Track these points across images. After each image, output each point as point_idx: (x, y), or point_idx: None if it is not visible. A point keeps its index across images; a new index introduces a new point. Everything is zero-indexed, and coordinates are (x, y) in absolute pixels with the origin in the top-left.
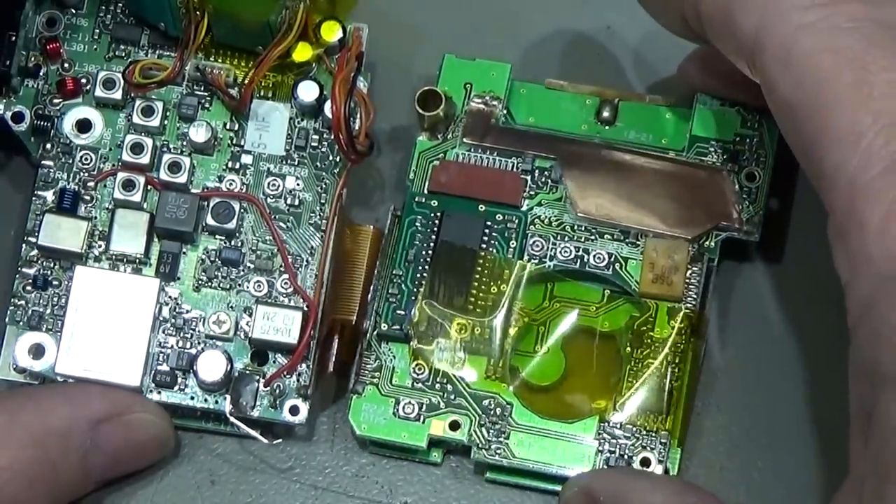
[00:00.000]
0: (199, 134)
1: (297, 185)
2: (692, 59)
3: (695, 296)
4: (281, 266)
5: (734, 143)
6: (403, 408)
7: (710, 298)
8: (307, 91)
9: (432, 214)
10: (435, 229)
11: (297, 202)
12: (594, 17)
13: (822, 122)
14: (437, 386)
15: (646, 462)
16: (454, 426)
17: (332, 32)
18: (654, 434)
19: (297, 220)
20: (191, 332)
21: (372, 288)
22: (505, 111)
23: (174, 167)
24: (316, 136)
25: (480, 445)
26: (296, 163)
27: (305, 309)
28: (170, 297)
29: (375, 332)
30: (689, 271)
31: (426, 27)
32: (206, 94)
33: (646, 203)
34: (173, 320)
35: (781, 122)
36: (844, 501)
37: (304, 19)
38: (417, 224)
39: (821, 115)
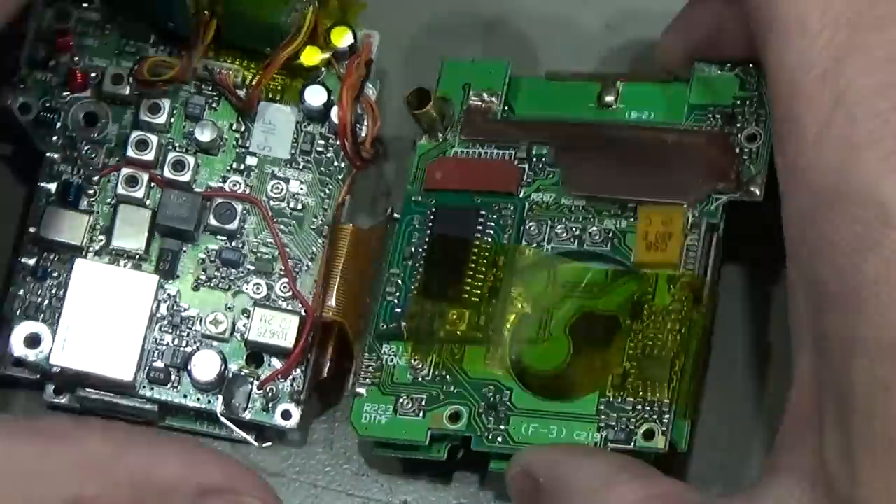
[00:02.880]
0: (204, 133)
1: (301, 189)
2: (673, 30)
3: (695, 262)
4: (281, 269)
5: (733, 107)
6: (403, 404)
7: (718, 266)
8: (315, 95)
9: (428, 212)
10: (430, 225)
11: (299, 206)
12: (594, 15)
13: (769, 9)
14: (437, 379)
15: (649, 434)
16: (454, 417)
17: (341, 37)
18: (655, 405)
19: (299, 225)
20: (187, 330)
21: (374, 289)
22: (505, 107)
23: (178, 165)
24: (322, 142)
25: (480, 433)
26: (300, 167)
27: (303, 314)
28: (168, 294)
29: (375, 333)
30: (689, 237)
31: (426, 31)
32: (213, 93)
33: (641, 174)
34: (170, 318)
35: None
36: (795, 429)
37: (313, 23)
38: (415, 223)
39: (769, 2)
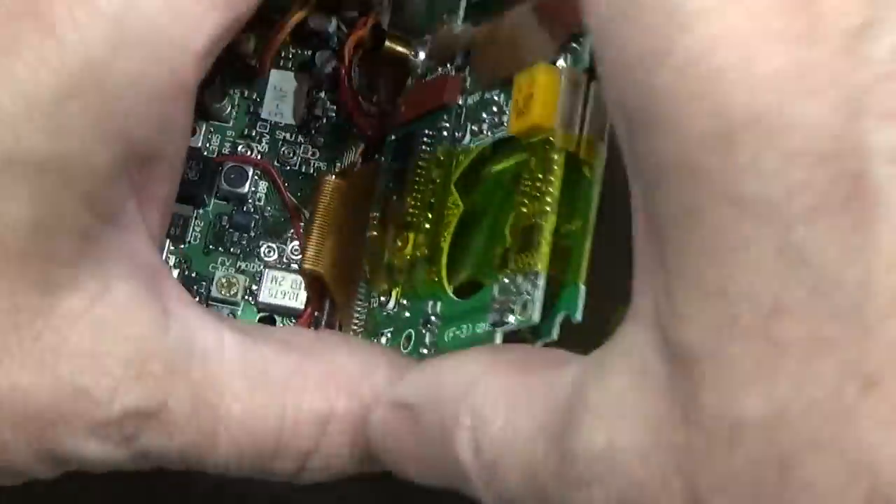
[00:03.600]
0: (215, 99)
1: (314, 154)
2: None
3: (566, 117)
4: (292, 232)
5: None
6: (376, 342)
7: (603, 117)
8: (325, 60)
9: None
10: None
11: (311, 171)
12: None
13: None
14: (399, 309)
15: (524, 307)
16: (406, 342)
17: (352, 3)
18: (530, 276)
19: (309, 189)
20: (198, 294)
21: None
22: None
23: None
24: (333, 107)
25: (422, 353)
26: (312, 132)
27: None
28: (179, 258)
29: (361, 281)
30: (565, 94)
31: None
32: (224, 59)
33: (524, 45)
34: (181, 281)
35: None
36: (638, 270)
37: None
38: (391, 163)
39: None
